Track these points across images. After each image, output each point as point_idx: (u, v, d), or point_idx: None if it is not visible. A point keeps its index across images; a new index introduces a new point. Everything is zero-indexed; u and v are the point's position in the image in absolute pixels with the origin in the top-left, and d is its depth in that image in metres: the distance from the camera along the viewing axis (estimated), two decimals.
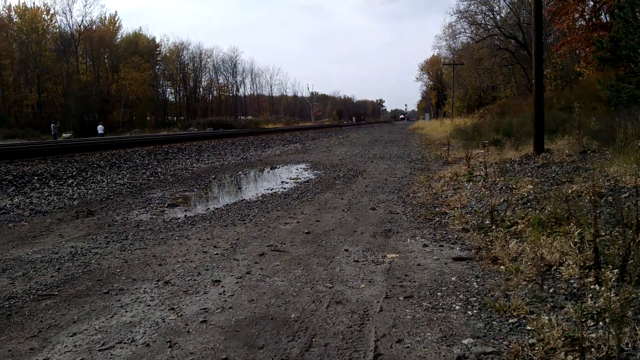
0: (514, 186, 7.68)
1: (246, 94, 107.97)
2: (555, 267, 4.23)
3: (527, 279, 4.03)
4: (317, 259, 4.94)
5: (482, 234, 5.51)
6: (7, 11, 61.82)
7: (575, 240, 4.55)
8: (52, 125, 37.98)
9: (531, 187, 7.30)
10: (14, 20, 62.28)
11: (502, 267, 4.39)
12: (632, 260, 3.79)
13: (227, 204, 8.52)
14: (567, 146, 10.81)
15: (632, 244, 3.83)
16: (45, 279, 4.51)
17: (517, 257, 4.53)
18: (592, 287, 3.70)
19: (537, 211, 5.81)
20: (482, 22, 41.80)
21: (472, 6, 40.87)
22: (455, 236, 5.64)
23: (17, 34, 61.32)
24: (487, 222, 5.93)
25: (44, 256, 5.27)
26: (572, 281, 3.89)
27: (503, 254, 4.64)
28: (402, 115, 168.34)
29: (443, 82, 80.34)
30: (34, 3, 65.82)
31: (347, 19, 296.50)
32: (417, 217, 6.88)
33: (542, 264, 4.22)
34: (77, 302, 3.91)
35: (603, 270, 3.86)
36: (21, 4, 63.35)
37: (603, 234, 4.58)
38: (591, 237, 4.17)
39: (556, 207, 5.55)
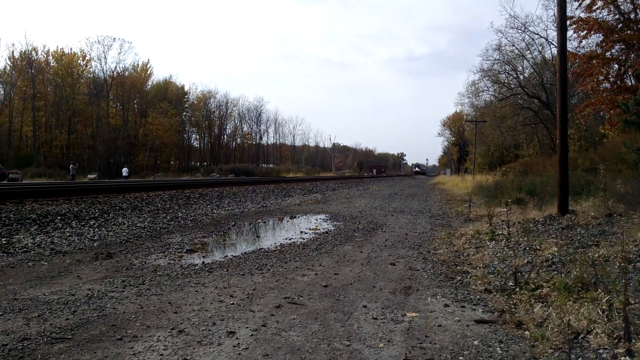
0: (538, 247, 7.51)
1: (269, 142, 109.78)
2: (582, 335, 4.05)
3: (553, 346, 3.85)
4: (335, 314, 4.82)
5: (506, 296, 5.35)
6: (45, 55, 64.64)
7: (604, 307, 4.38)
8: (71, 166, 38.90)
9: (556, 249, 7.13)
10: (51, 64, 64.98)
11: (526, 332, 4.23)
12: None
13: (245, 252, 8.47)
14: (593, 208, 10.60)
15: None
16: (60, 321, 4.48)
17: (543, 323, 4.36)
18: (623, 358, 3.52)
19: (562, 275, 5.65)
20: (505, 81, 42.22)
21: (496, 65, 41.42)
22: (478, 297, 5.48)
23: (53, 77, 63.86)
24: (511, 283, 5.77)
25: (61, 297, 5.26)
26: (601, 351, 3.71)
27: (528, 319, 4.47)
28: (416, 168, 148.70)
29: (465, 138, 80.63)
30: (71, 49, 68.52)
31: (372, 74, 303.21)
32: (438, 274, 6.73)
33: (569, 331, 4.05)
34: (90, 348, 3.85)
35: (634, 341, 3.69)
36: (59, 49, 66.23)
37: (632, 302, 4.41)
38: (620, 305, 4.01)
39: (583, 271, 5.39)
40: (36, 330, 4.23)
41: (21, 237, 8.85)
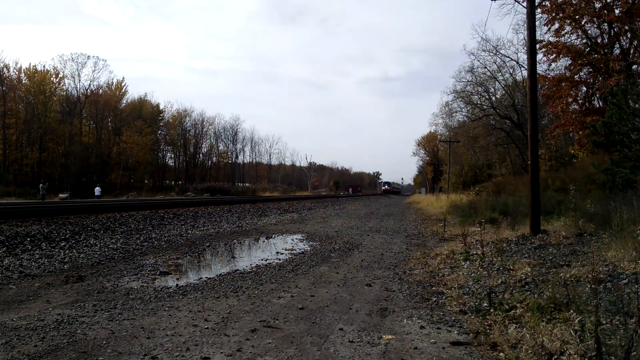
0: (512, 267, 7.61)
1: (245, 161, 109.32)
2: (556, 357, 4.09)
3: None
4: (311, 337, 4.79)
5: (480, 317, 5.38)
6: (17, 72, 63.56)
7: (576, 327, 4.44)
8: (41, 185, 38.03)
9: (529, 269, 7.23)
10: (23, 81, 63.91)
11: (501, 354, 4.25)
12: (634, 353, 3.69)
13: (220, 274, 8.37)
14: (564, 228, 10.82)
15: (634, 335, 3.74)
16: (28, 348, 4.34)
17: (517, 344, 4.40)
18: None
19: (535, 295, 5.72)
20: (478, 102, 43.03)
21: (469, 87, 42.24)
22: (453, 318, 5.51)
23: (24, 94, 62.74)
24: (485, 304, 5.82)
25: (29, 323, 5.10)
26: None
27: (502, 340, 4.51)
28: (386, 186, 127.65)
29: (439, 157, 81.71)
30: (44, 66, 67.40)
31: (348, 94, 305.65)
32: (413, 295, 6.75)
33: (542, 352, 4.09)
34: None
35: None
36: (31, 67, 65.20)
37: (604, 322, 4.49)
38: (592, 326, 4.07)
39: (555, 292, 5.48)
40: (3, 357, 4.08)
41: None
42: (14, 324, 5.06)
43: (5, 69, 60.10)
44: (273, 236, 14.96)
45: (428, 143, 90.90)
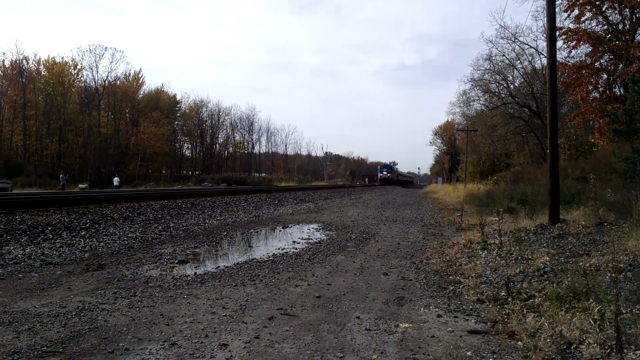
0: (530, 257, 7.54)
1: (261, 151, 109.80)
2: (575, 346, 4.06)
3: (546, 357, 3.86)
4: (328, 325, 4.81)
5: (498, 306, 5.35)
6: (36, 65, 64.40)
7: (596, 317, 4.41)
8: (61, 176, 38.64)
9: (547, 258, 7.16)
10: (42, 73, 64.74)
11: (519, 342, 4.23)
12: None
13: (237, 263, 8.44)
14: (583, 217, 10.68)
15: None
16: (50, 334, 4.43)
17: (535, 333, 4.37)
18: None
19: (554, 284, 5.67)
20: (496, 90, 42.57)
21: (487, 75, 41.80)
22: (470, 307, 5.49)
23: (43, 86, 63.61)
24: (503, 293, 5.78)
25: (51, 310, 5.21)
26: None
27: (520, 329, 4.48)
28: (384, 172, 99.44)
29: (456, 147, 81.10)
30: (62, 58, 68.23)
31: (363, 83, 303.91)
32: (430, 284, 6.74)
33: (561, 342, 4.07)
34: None
35: (626, 351, 3.71)
36: (50, 58, 66.02)
37: (624, 311, 4.44)
38: (612, 315, 4.03)
39: (574, 281, 5.42)
40: (26, 343, 4.18)
41: (11, 248, 8.76)
42: (36, 311, 5.16)
43: (24, 61, 61.12)
44: (289, 225, 15.02)
45: (445, 132, 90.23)
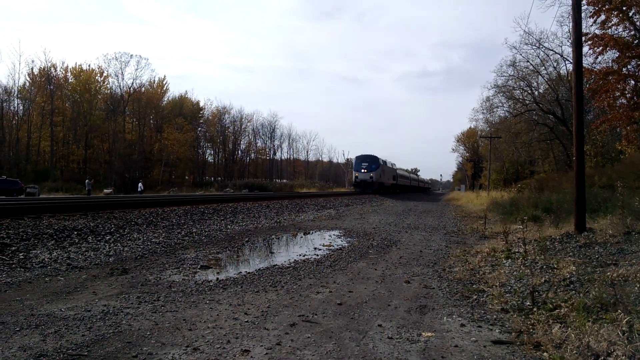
0: (555, 266, 7.41)
1: (283, 157, 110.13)
2: (602, 358, 3.96)
3: None
4: (350, 333, 4.79)
5: (523, 316, 5.26)
6: (64, 72, 65.89)
7: (624, 328, 4.30)
8: (87, 181, 39.35)
9: (574, 268, 7.03)
10: (70, 80, 66.22)
11: (545, 354, 4.15)
12: None
13: (259, 269, 8.47)
14: (610, 226, 10.47)
15: None
16: (76, 337, 4.50)
17: (561, 344, 4.28)
18: None
19: (581, 295, 5.56)
20: (520, 97, 42.04)
21: (510, 81, 41.33)
22: (494, 317, 5.41)
23: (71, 93, 65.04)
24: (528, 303, 5.68)
25: (77, 313, 5.29)
26: None
27: (546, 340, 4.40)
28: (362, 170, 51.62)
29: (479, 154, 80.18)
30: (89, 65, 69.74)
31: (385, 90, 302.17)
32: (453, 293, 6.66)
33: (588, 353, 3.97)
34: None
35: None
36: (77, 66, 67.50)
37: None
38: None
39: (602, 291, 5.31)
40: (52, 346, 4.25)
41: (38, 252, 8.95)
42: (62, 314, 5.25)
43: (52, 68, 62.56)
44: (310, 232, 15.03)
45: (468, 139, 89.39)
